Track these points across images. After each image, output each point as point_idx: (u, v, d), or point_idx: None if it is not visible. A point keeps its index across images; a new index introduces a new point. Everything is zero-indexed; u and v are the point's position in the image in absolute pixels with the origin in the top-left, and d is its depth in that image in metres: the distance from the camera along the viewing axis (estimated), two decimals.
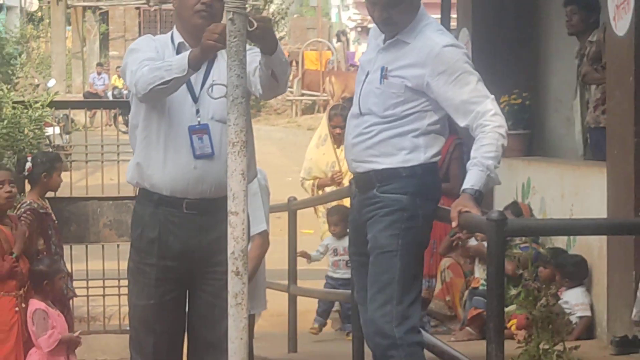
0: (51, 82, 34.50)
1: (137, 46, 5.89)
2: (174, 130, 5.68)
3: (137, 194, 6.01)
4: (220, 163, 5.39)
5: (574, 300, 8.32)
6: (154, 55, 5.64)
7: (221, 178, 5.04)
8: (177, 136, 5.67)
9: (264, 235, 6.72)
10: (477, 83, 5.15)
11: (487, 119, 5.07)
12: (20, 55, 37.61)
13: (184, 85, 5.63)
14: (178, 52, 5.71)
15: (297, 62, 36.67)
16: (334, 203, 10.49)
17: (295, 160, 21.76)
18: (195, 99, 5.69)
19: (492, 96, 5.20)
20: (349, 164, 5.68)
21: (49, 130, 13.91)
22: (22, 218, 8.56)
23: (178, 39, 5.77)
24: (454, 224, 5.08)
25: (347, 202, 10.29)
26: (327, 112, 11.95)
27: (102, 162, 12.87)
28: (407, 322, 5.13)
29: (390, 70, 5.17)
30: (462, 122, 5.14)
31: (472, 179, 5.11)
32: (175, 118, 5.68)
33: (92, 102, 25.26)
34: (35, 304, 8.40)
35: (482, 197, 5.21)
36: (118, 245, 10.74)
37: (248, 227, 4.69)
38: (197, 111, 5.69)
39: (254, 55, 5.24)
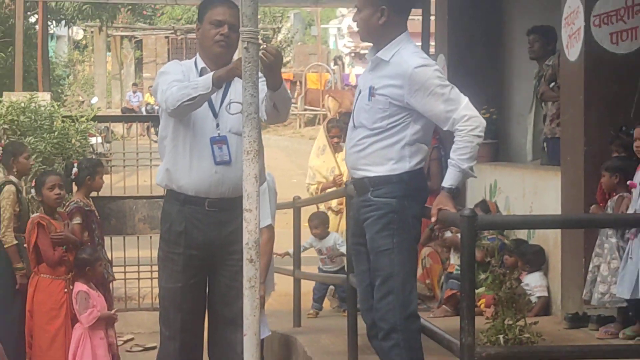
0: (94, 100, 34.49)
1: (166, 69, 5.91)
2: (197, 141, 5.69)
3: (165, 194, 6.02)
4: (236, 168, 5.39)
5: (533, 283, 8.31)
6: (180, 77, 5.65)
7: (237, 181, 5.05)
8: (200, 146, 5.69)
9: (270, 228, 6.71)
10: (450, 93, 5.09)
11: (462, 125, 5.03)
12: (68, 77, 37.56)
13: (206, 104, 5.66)
14: (201, 75, 5.73)
15: (300, 82, 36.76)
16: (322, 207, 10.63)
17: (300, 165, 21.73)
18: (215, 115, 5.71)
19: (466, 100, 5.13)
20: (348, 170, 5.70)
21: (93, 140, 13.89)
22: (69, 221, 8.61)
23: (201, 64, 5.78)
24: (433, 219, 5.07)
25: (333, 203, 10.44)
26: (324, 125, 11.93)
27: (137, 166, 12.92)
28: (407, 310, 5.11)
29: (376, 89, 5.14)
30: (444, 127, 5.12)
31: (450, 179, 5.09)
32: (198, 130, 5.69)
33: (128, 116, 25.19)
34: (79, 286, 8.42)
35: (459, 191, 5.24)
36: (150, 237, 10.75)
37: (258, 222, 4.71)
38: (217, 125, 5.71)
39: (263, 85, 5.22)
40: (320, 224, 10.00)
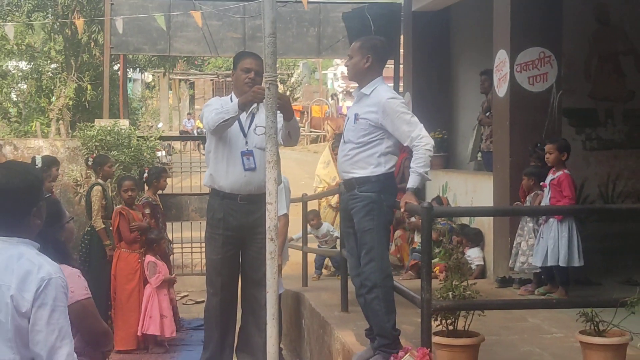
0: (160, 124, 34.52)
1: (209, 103, 5.98)
2: (232, 154, 5.73)
3: (210, 191, 6.04)
4: (260, 173, 5.41)
5: (473, 255, 8.30)
6: (219, 108, 5.67)
7: (261, 182, 5.05)
8: (234, 157, 5.72)
9: (285, 216, 6.70)
10: (410, 118, 5.07)
11: (417, 142, 5.01)
12: (141, 109, 37.49)
13: (238, 127, 5.72)
14: None
15: (307, 112, 36.77)
16: (323, 203, 10.69)
17: (306, 171, 21.57)
18: (245, 135, 5.76)
19: (421, 125, 5.11)
20: (339, 174, 5.68)
21: (159, 153, 13.90)
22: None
23: (235, 99, 5.78)
24: (402, 209, 5.06)
25: (333, 201, 10.41)
26: (330, 145, 11.94)
27: (190, 172, 12.92)
28: (384, 272, 5.11)
29: (360, 115, 5.13)
30: (405, 143, 5.11)
31: (412, 182, 5.06)
32: (233, 147, 5.73)
33: (184, 137, 25.16)
34: (148, 258, 8.46)
35: (420, 191, 5.20)
36: (200, 223, 10.74)
37: (277, 211, 4.72)
38: (246, 142, 5.75)
39: (280, 117, 5.27)
40: (314, 217, 10.04)
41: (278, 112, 4.93)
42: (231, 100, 5.80)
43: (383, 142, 5.16)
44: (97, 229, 8.69)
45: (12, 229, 3.03)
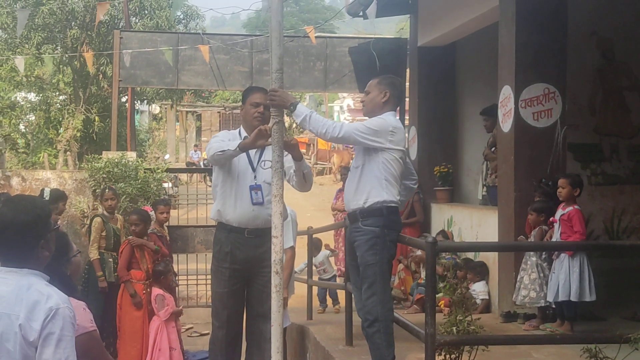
0: (167, 156, 34.62)
1: (218, 134, 6.00)
2: (240, 188, 5.72)
3: (217, 224, 6.04)
4: (267, 208, 5.42)
5: (478, 289, 8.30)
6: (226, 142, 5.71)
7: (268, 217, 5.07)
8: (242, 191, 5.72)
9: (292, 249, 6.70)
10: (364, 124, 5.15)
11: (342, 124, 5.18)
12: (148, 140, 37.66)
13: (247, 162, 5.73)
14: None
15: (313, 144, 36.86)
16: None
17: (312, 203, 21.65)
18: (253, 170, 5.74)
19: (366, 132, 5.12)
20: (345, 206, 5.67)
21: (165, 185, 13.93)
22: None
23: (244, 133, 5.82)
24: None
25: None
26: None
27: (197, 204, 12.94)
28: (386, 306, 5.13)
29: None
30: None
31: (303, 107, 5.08)
32: (241, 181, 5.73)
33: (190, 169, 25.18)
34: (156, 290, 8.42)
35: (294, 108, 5.01)
36: (205, 255, 10.74)
37: (282, 245, 4.74)
38: (255, 176, 5.74)
39: (289, 160, 5.40)
40: (314, 248, 10.04)
41: (286, 156, 5.00)
42: (240, 135, 5.84)
43: (380, 167, 5.18)
44: (91, 259, 8.77)
45: (21, 260, 3.10)
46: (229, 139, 5.80)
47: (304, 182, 5.67)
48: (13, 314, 2.98)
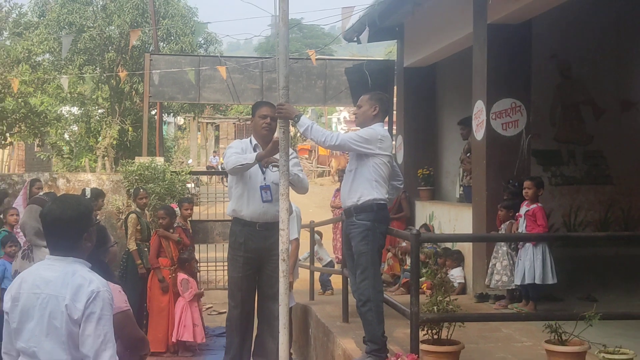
0: (190, 161, 34.64)
1: (231, 145, 5.99)
2: (252, 189, 5.74)
3: (233, 219, 6.04)
4: (275, 205, 5.42)
5: (455, 274, 8.28)
6: (239, 150, 5.72)
7: (275, 212, 5.07)
8: (254, 191, 5.73)
9: (297, 240, 6.71)
10: (364, 133, 5.10)
11: (338, 134, 5.15)
12: (174, 147, 37.68)
13: (258, 166, 5.70)
14: (254, 148, 5.79)
15: (315, 150, 36.83)
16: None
17: (314, 201, 21.55)
18: (263, 172, 5.75)
19: (356, 141, 5.07)
20: (342, 203, 5.64)
21: (189, 186, 13.94)
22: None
23: (254, 141, 5.83)
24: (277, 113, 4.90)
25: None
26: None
27: (215, 201, 12.93)
28: (376, 288, 5.10)
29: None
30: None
31: (306, 119, 5.02)
32: (253, 182, 5.74)
33: (210, 172, 25.20)
34: (181, 275, 8.46)
35: (299, 120, 4.97)
36: (222, 245, 10.74)
37: (288, 236, 4.74)
38: (264, 178, 5.75)
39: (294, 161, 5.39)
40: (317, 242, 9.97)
41: (292, 157, 5.00)
42: (250, 142, 5.85)
43: (371, 170, 5.14)
44: (130, 250, 8.75)
45: (67, 250, 3.12)
46: (242, 147, 5.80)
47: (295, 187, 5.63)
48: (60, 296, 2.99)
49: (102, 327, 3.00)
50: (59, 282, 3.03)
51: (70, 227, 3.11)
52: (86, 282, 3.02)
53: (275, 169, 5.41)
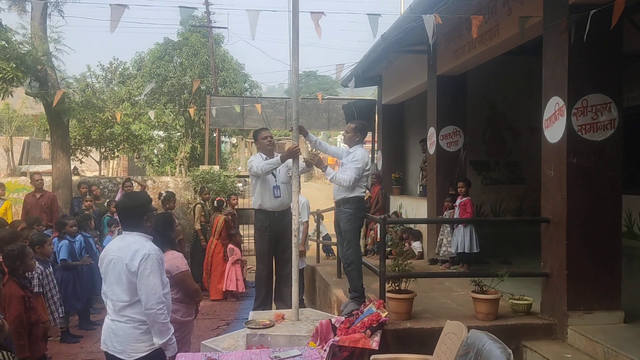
0: (239, 168, 34.60)
1: (253, 158, 5.74)
2: (267, 188, 5.64)
3: (257, 209, 5.83)
4: (285, 199, 5.42)
5: (416, 246, 8.23)
6: (262, 161, 5.56)
7: (286, 203, 5.09)
8: (269, 189, 5.64)
9: (306, 222, 6.71)
10: (356, 165, 4.93)
11: (344, 175, 4.92)
12: (229, 159, 37.67)
13: (272, 173, 5.63)
14: (265, 159, 5.60)
15: (324, 159, 36.66)
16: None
17: (324, 196, 21.49)
18: (274, 175, 5.66)
19: (356, 172, 4.86)
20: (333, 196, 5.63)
21: (238, 185, 13.97)
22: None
23: (264, 155, 5.68)
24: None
25: None
26: None
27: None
28: (356, 254, 5.01)
29: (344, 162, 5.11)
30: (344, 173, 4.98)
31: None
32: (268, 183, 5.64)
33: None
34: (229, 245, 8.46)
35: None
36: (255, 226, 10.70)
37: (298, 220, 4.74)
38: (275, 179, 5.66)
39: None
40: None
41: (301, 161, 4.91)
42: (261, 156, 5.70)
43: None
44: (196, 230, 8.78)
45: (134, 227, 3.22)
46: (264, 157, 5.70)
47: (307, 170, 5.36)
48: (124, 257, 3.09)
49: (152, 280, 3.05)
50: (124, 248, 3.12)
51: (134, 212, 3.19)
52: (142, 247, 3.09)
53: (282, 171, 5.38)
